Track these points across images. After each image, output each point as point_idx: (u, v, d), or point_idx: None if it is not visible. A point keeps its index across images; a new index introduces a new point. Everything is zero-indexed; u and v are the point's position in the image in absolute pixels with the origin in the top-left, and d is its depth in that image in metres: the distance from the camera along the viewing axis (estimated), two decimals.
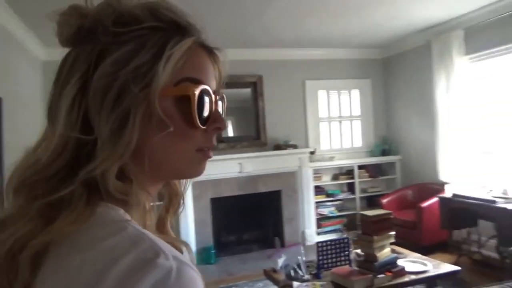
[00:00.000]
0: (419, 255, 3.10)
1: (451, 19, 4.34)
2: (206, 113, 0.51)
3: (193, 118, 0.49)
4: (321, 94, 5.51)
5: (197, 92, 0.49)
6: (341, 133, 5.64)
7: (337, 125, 5.62)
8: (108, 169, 0.45)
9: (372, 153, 5.64)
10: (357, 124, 5.71)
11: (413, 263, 2.85)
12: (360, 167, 5.46)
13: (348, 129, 5.68)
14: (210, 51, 0.54)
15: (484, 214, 3.71)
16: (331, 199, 5.37)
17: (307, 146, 5.28)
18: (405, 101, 5.44)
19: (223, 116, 0.55)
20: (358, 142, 5.70)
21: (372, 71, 5.75)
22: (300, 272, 2.76)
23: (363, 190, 5.52)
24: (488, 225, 3.81)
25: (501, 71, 4.06)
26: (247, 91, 5.16)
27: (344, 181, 5.47)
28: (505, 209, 3.36)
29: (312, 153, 5.19)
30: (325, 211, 5.33)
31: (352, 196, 5.43)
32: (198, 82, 0.50)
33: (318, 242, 2.84)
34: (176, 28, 0.50)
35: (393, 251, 2.84)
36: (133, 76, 0.46)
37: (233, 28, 4.15)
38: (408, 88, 5.35)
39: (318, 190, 5.32)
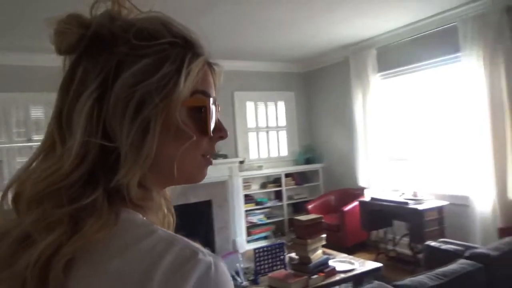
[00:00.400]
0: (346, 255, 3.34)
1: (366, 39, 4.79)
2: (213, 122, 0.55)
3: (207, 127, 0.53)
4: (249, 105, 5.68)
5: (211, 103, 0.53)
6: (269, 143, 5.86)
7: (264, 135, 5.83)
8: (132, 178, 0.47)
9: (297, 162, 5.93)
10: (283, 134, 5.98)
11: (342, 262, 3.07)
12: (287, 175, 5.70)
13: (275, 139, 5.92)
14: (210, 65, 0.59)
15: (398, 215, 4.12)
16: (260, 207, 5.53)
17: (236, 155, 5.38)
18: (327, 113, 5.83)
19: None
20: (284, 151, 5.96)
21: (296, 84, 6.08)
22: (238, 279, 2.81)
23: (290, 197, 5.76)
24: (401, 224, 4.24)
25: (407, 87, 4.59)
26: None
27: (272, 189, 5.66)
28: (416, 209, 3.78)
29: (241, 162, 5.30)
30: (254, 219, 5.46)
31: (280, 204, 5.64)
32: (207, 95, 0.54)
33: (255, 249, 2.93)
34: (186, 43, 0.54)
35: (324, 252, 3.03)
36: (155, 87, 0.48)
37: None
38: (329, 101, 5.75)
39: (248, 198, 5.43)
